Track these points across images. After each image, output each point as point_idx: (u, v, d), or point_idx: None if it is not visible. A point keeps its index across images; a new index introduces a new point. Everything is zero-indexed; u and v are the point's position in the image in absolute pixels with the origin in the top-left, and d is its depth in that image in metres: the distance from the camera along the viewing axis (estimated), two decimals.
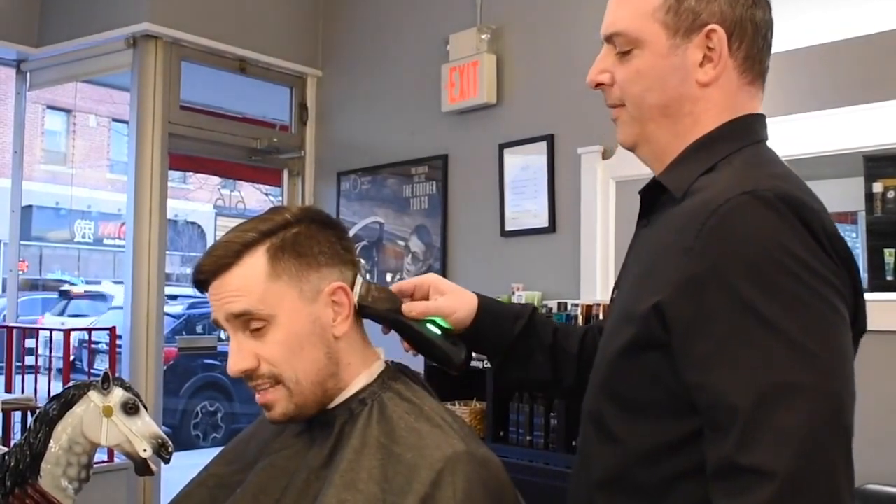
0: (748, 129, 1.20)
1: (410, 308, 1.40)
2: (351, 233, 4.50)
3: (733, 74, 1.18)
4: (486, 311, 1.45)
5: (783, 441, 0.96)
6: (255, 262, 1.28)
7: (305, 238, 1.31)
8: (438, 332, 1.41)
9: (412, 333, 1.41)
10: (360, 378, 1.34)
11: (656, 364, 1.08)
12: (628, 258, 1.29)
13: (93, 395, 1.68)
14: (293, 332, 1.28)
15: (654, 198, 1.23)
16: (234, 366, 1.29)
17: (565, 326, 1.57)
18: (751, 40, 1.18)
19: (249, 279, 1.28)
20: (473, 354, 1.44)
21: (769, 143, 1.22)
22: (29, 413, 3.63)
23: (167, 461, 1.71)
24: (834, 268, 1.03)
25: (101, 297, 11.96)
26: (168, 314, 7.53)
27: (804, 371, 0.98)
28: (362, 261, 4.52)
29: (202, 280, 1.31)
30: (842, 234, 1.07)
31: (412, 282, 1.45)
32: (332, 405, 1.33)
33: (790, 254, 1.00)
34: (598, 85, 1.26)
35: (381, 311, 1.38)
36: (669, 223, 1.14)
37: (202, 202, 17.57)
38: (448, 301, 1.42)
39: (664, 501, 1.10)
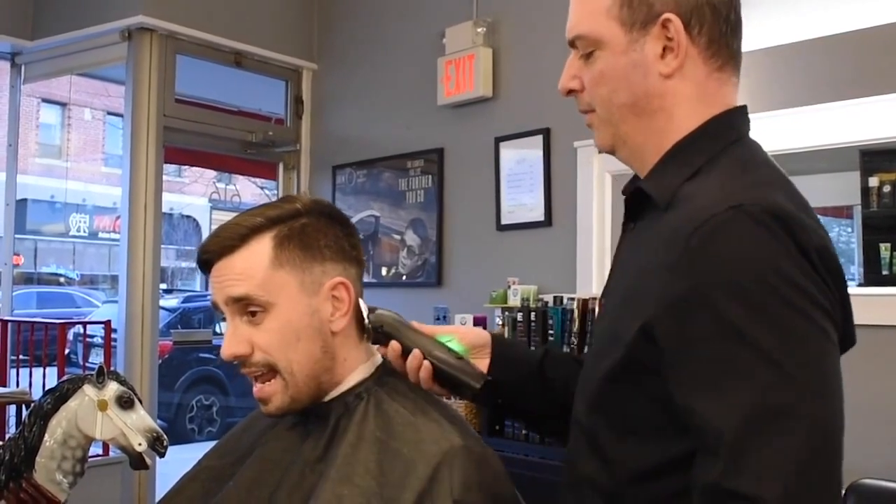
0: (729, 127, 1.16)
1: (420, 327, 1.36)
2: None
3: (698, 61, 1.14)
4: (500, 338, 1.41)
5: (770, 467, 0.94)
6: (260, 248, 1.28)
7: (313, 230, 1.31)
8: (455, 350, 1.34)
9: (427, 348, 1.32)
10: (355, 373, 1.34)
11: (648, 385, 1.05)
12: (614, 265, 1.27)
13: (87, 388, 1.67)
14: (290, 322, 1.28)
15: (638, 202, 1.20)
16: (228, 349, 1.29)
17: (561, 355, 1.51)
18: (711, 24, 1.14)
19: (252, 264, 1.27)
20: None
21: (753, 137, 1.18)
22: (23, 407, 3.62)
23: (162, 455, 1.71)
24: (823, 286, 1.00)
25: None
26: (163, 308, 7.51)
27: (791, 395, 0.95)
28: None
29: (206, 259, 1.31)
30: (831, 248, 1.04)
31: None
32: (327, 398, 1.33)
33: (778, 273, 0.97)
34: (570, 91, 1.23)
35: (395, 320, 1.34)
36: (656, 236, 1.10)
37: (197, 196, 17.51)
38: (454, 326, 1.39)
39: None
